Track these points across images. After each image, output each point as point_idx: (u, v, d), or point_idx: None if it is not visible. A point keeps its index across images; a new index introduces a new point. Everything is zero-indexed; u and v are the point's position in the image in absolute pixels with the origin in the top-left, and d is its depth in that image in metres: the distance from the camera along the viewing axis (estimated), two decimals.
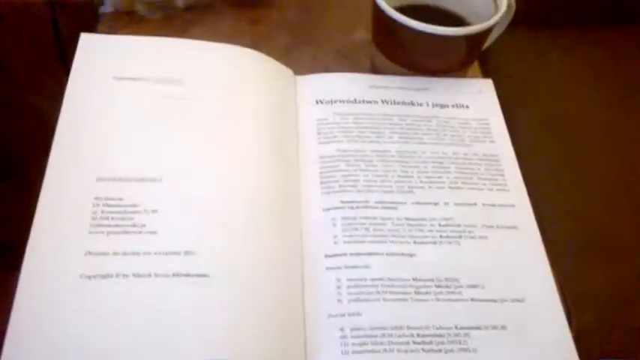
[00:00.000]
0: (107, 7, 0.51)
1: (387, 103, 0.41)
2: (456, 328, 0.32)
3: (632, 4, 0.95)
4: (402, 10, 0.44)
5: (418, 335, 0.31)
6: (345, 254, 0.34)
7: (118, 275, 0.30)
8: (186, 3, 0.53)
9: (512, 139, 0.85)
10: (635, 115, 0.87)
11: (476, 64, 0.51)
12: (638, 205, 0.76)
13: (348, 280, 0.33)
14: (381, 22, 0.41)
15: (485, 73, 0.96)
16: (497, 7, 0.41)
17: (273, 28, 0.53)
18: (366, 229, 0.35)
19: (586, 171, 0.82)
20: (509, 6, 0.43)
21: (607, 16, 0.99)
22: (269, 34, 0.52)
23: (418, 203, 0.36)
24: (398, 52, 0.42)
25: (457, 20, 0.44)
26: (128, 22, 0.52)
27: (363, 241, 0.35)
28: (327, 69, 0.49)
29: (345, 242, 0.35)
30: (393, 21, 0.39)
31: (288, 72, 0.44)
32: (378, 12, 0.41)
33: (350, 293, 0.33)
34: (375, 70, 0.45)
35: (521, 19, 1.01)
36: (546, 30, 1.00)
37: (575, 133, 0.88)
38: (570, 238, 0.78)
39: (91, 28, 0.51)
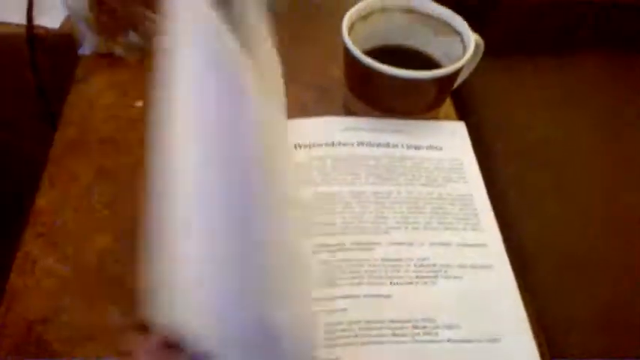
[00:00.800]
0: (86, 50, 0.52)
1: (363, 144, 0.42)
2: None
3: (605, 29, 0.98)
4: (372, 52, 0.45)
5: None
6: (321, 299, 0.34)
7: None
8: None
9: (491, 169, 0.87)
10: (615, 140, 0.89)
11: (449, 101, 0.52)
12: (623, 231, 0.77)
13: (325, 324, 0.33)
14: (352, 66, 0.42)
15: (460, 104, 0.98)
16: (465, 48, 0.42)
17: None
18: (343, 271, 0.35)
19: (567, 200, 0.83)
20: (477, 45, 0.44)
21: (581, 40, 1.01)
22: None
23: (394, 244, 0.37)
24: (370, 94, 0.43)
25: (427, 61, 0.45)
26: (106, 64, 0.53)
27: (340, 284, 0.35)
28: (304, 107, 0.50)
29: (321, 287, 0.35)
30: (364, 65, 0.40)
31: None
32: (348, 56, 0.41)
33: (327, 338, 0.33)
34: (347, 111, 0.46)
35: (496, 47, 1.04)
36: (522, 56, 1.03)
37: (554, 160, 0.89)
38: (553, 268, 0.79)
39: (71, 70, 0.51)
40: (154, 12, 0.52)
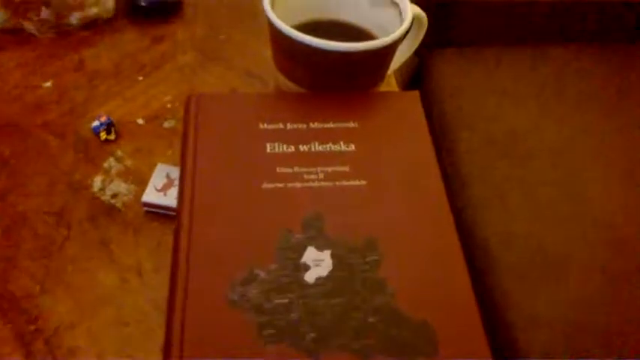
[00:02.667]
0: None
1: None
2: None
3: (575, 22, 0.95)
4: (303, 27, 0.41)
5: None
6: None
7: None
8: (81, 20, 0.49)
9: (455, 161, 0.83)
10: (582, 133, 0.86)
11: (393, 82, 0.48)
12: (589, 228, 0.74)
13: None
14: (278, 41, 0.38)
15: (426, 93, 0.94)
16: (402, 20, 0.38)
17: (178, 46, 0.49)
18: None
19: (532, 194, 0.80)
20: (418, 20, 0.40)
21: (550, 33, 0.99)
22: (174, 51, 0.48)
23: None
24: (297, 71, 0.38)
25: (363, 35, 0.41)
26: (15, 41, 0.48)
27: None
28: (234, 89, 0.46)
29: None
30: (288, 39, 0.36)
31: None
32: (273, 30, 0.37)
33: None
34: (278, 91, 0.41)
35: (466, 37, 1.00)
36: (492, 48, 0.99)
37: (521, 152, 0.86)
38: (517, 264, 0.75)
39: None
40: None
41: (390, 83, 0.48)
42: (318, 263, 0.30)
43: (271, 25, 0.36)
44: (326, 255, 0.30)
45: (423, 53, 0.95)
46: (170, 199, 0.37)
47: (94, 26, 0.49)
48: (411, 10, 0.38)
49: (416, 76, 1.00)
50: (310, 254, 0.30)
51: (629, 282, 0.67)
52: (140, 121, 0.43)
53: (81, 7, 0.48)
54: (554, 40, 0.96)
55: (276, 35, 0.37)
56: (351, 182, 0.33)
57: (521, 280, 0.71)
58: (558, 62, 0.93)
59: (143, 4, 0.50)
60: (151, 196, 0.37)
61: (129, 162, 0.40)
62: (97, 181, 0.39)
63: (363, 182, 0.33)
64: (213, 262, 0.29)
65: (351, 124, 0.36)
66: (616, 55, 0.95)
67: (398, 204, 0.32)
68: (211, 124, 0.35)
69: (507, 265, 0.72)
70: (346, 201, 0.32)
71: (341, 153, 0.34)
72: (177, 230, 0.31)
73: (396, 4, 0.39)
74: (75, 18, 0.48)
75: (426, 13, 0.41)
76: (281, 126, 0.35)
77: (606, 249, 0.70)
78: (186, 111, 0.36)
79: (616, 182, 0.76)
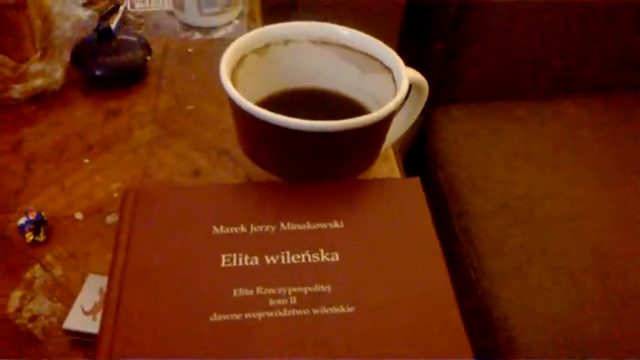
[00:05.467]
0: None
1: None
2: None
3: (581, 74, 0.90)
4: (273, 99, 0.33)
5: None
6: None
7: None
8: (24, 93, 0.42)
9: (468, 229, 0.75)
10: (604, 195, 0.78)
11: (391, 154, 0.40)
12: (616, 298, 0.65)
13: None
14: (241, 121, 0.30)
15: (432, 153, 0.87)
16: (397, 89, 0.31)
17: (136, 119, 0.42)
18: None
19: (552, 263, 0.71)
20: (417, 87, 0.33)
21: (558, 87, 0.93)
22: (130, 127, 0.41)
23: None
24: (266, 156, 0.30)
25: (352, 107, 0.34)
26: None
27: None
28: (196, 173, 0.38)
29: None
30: (252, 117, 0.28)
31: None
32: (232, 104, 0.29)
33: None
34: (249, 179, 0.34)
35: (470, 92, 0.94)
36: (498, 103, 0.93)
37: (538, 220, 0.78)
38: (543, 347, 0.66)
39: None
40: (8, 55, 0.41)
41: (388, 158, 0.40)
42: None
43: (230, 100, 0.29)
44: None
45: (426, 110, 0.89)
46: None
47: (41, 100, 0.42)
48: (407, 76, 0.31)
49: (419, 134, 0.93)
50: None
51: None
52: (78, 216, 0.35)
53: (23, 78, 0.41)
54: (561, 93, 0.90)
55: (237, 112, 0.29)
56: (334, 309, 0.24)
57: None
58: (569, 116, 0.86)
59: (98, 73, 0.43)
60: (75, 321, 0.28)
61: (58, 271, 0.32)
62: (15, 299, 0.31)
63: (350, 309, 0.24)
64: None
65: (335, 225, 0.27)
66: (627, 104, 0.88)
67: (400, 340, 0.23)
68: (149, 228, 0.27)
69: (529, 352, 0.62)
70: (327, 339, 0.23)
71: (321, 266, 0.26)
72: None
73: (389, 70, 0.32)
74: (17, 92, 0.41)
75: (428, 70, 0.34)
76: (242, 229, 0.27)
77: None
78: (122, 210, 0.28)
79: None
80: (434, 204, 0.38)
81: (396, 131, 0.35)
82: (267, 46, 0.32)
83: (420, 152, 0.89)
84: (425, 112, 0.89)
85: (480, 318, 0.65)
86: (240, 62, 0.31)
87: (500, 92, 0.93)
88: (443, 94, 0.91)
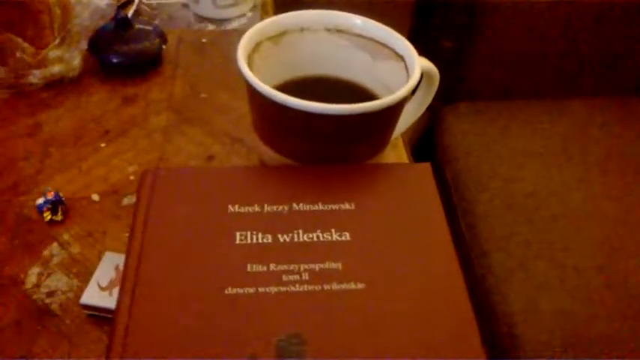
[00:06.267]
0: None
1: None
2: None
3: (590, 74, 0.90)
4: (290, 84, 0.34)
5: None
6: None
7: None
8: (43, 79, 0.43)
9: (474, 226, 0.75)
10: (610, 194, 0.78)
11: (400, 144, 0.41)
12: (621, 295, 0.65)
13: None
14: (256, 102, 0.31)
15: (439, 150, 0.87)
16: (409, 76, 0.31)
17: (152, 106, 0.43)
18: None
19: (558, 260, 0.72)
20: (428, 75, 0.33)
21: (566, 86, 0.93)
22: (145, 113, 0.42)
23: None
24: (281, 140, 0.31)
25: (362, 94, 0.35)
26: None
27: None
28: (210, 159, 0.39)
29: None
30: (266, 99, 0.29)
31: None
32: (249, 89, 0.30)
33: None
34: (263, 164, 0.35)
35: (479, 90, 0.94)
36: (506, 102, 0.93)
37: (544, 217, 0.78)
38: (548, 343, 0.66)
39: None
40: (28, 42, 0.42)
41: (397, 146, 0.41)
42: None
43: (248, 84, 0.30)
44: None
45: (434, 107, 0.89)
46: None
47: (59, 86, 0.43)
48: (420, 64, 0.32)
49: (427, 131, 0.93)
50: None
51: None
52: (95, 197, 0.35)
53: (42, 64, 0.42)
54: (569, 93, 0.90)
55: (254, 96, 0.30)
56: (345, 285, 0.25)
57: None
58: (576, 115, 0.86)
59: (115, 60, 0.44)
60: (92, 296, 0.29)
61: (75, 249, 0.33)
62: (33, 275, 0.32)
63: (361, 285, 0.25)
64: None
65: (346, 206, 0.28)
66: (634, 104, 0.88)
67: (409, 317, 0.24)
68: (166, 207, 0.28)
69: (534, 351, 0.62)
70: (338, 313, 0.24)
71: (332, 244, 0.26)
72: (108, 354, 0.23)
73: (401, 57, 0.33)
74: (35, 77, 0.42)
75: (437, 68, 0.34)
76: (256, 209, 0.28)
77: None
78: (139, 190, 0.29)
79: None
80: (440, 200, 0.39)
81: (406, 120, 0.36)
82: (282, 33, 0.33)
83: (427, 149, 0.90)
84: (433, 110, 0.91)
85: (485, 314, 0.66)
86: (255, 49, 0.32)
87: (508, 91, 0.94)
88: (451, 92, 0.91)
